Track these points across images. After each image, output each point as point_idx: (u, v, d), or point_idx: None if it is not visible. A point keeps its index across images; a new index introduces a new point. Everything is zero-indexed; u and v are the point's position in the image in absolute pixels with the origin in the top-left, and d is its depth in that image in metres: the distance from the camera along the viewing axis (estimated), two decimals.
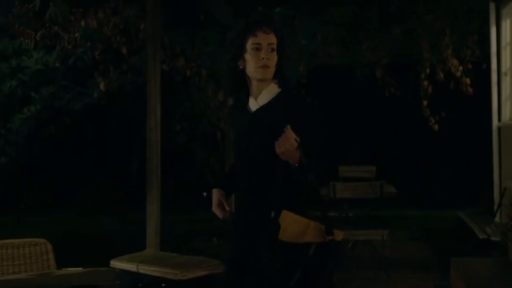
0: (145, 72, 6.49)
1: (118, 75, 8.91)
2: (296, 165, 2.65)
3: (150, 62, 6.36)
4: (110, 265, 4.00)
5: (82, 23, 7.47)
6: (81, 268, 3.71)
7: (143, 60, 7.80)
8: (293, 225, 2.68)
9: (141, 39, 8.18)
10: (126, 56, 8.44)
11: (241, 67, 2.92)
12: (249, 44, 2.88)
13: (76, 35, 7.82)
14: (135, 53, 8.46)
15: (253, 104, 2.93)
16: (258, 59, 2.86)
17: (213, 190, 3.06)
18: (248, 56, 2.89)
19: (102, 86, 8.54)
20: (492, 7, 8.14)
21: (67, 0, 5.21)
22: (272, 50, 2.89)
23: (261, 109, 2.90)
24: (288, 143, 2.61)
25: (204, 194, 11.97)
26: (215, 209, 3.01)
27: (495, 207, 7.88)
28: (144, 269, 3.82)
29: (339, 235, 2.75)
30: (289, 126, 2.62)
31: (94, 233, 9.70)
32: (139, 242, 6.32)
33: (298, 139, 2.62)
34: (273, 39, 2.89)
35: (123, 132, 12.56)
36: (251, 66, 2.89)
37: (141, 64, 8.47)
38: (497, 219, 7.52)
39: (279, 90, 2.92)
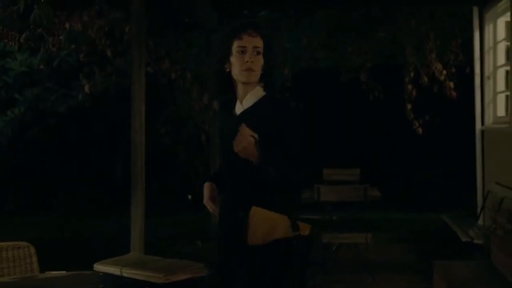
0: (130, 74, 6.46)
1: (103, 78, 8.88)
2: (257, 162, 2.66)
3: (135, 65, 6.34)
4: (94, 269, 4.00)
5: (67, 25, 7.44)
6: (64, 272, 3.70)
7: (128, 63, 7.78)
8: (263, 224, 2.71)
9: (126, 41, 8.16)
10: (111, 59, 8.41)
11: (227, 69, 2.93)
12: (235, 47, 2.88)
13: (61, 37, 7.79)
14: (120, 55, 8.43)
15: (238, 107, 2.93)
16: (243, 62, 2.86)
17: (205, 183, 3.02)
18: (233, 59, 2.89)
19: (86, 89, 8.51)
20: (475, 11, 8.21)
21: (52, 3, 5.19)
22: (258, 53, 2.88)
23: (246, 112, 2.89)
24: (245, 141, 2.62)
25: (189, 196, 11.97)
26: (207, 202, 2.98)
27: (478, 210, 7.93)
28: (128, 272, 3.81)
29: (305, 229, 2.77)
30: (244, 124, 2.64)
31: (78, 236, 9.65)
32: (123, 245, 6.28)
33: (256, 136, 2.64)
34: (258, 42, 2.88)
35: (107, 135, 12.50)
36: (236, 68, 2.88)
37: (126, 67, 8.45)
38: (480, 222, 7.57)
39: (264, 93, 2.92)
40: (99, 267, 3.98)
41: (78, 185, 12.18)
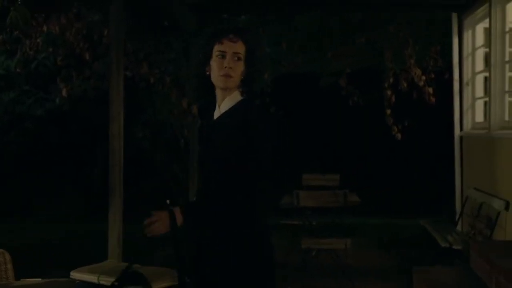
0: (108, 78, 6.38)
1: (81, 81, 8.78)
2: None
3: (113, 68, 6.25)
4: (70, 276, 3.93)
5: (44, 28, 7.34)
6: (40, 279, 3.64)
7: (106, 66, 7.70)
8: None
9: (104, 45, 8.08)
10: (89, 62, 8.33)
11: (207, 73, 2.89)
12: (215, 51, 2.84)
13: (38, 40, 7.69)
14: (98, 59, 8.35)
15: (216, 112, 2.90)
16: (221, 67, 2.82)
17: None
18: (213, 63, 2.85)
19: (64, 92, 8.41)
20: (454, 17, 8.23)
21: (29, 5, 5.11)
22: (238, 59, 2.83)
23: (222, 116, 2.87)
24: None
25: (168, 201, 11.89)
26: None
27: (457, 216, 7.96)
28: (105, 280, 3.75)
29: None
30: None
31: (55, 241, 9.52)
32: (101, 252, 6.21)
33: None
34: (239, 48, 2.83)
35: (86, 139, 12.38)
36: (214, 73, 2.85)
37: (104, 70, 8.36)
38: (458, 228, 7.59)
39: (241, 98, 2.88)
40: (75, 274, 3.91)
41: (56, 190, 12.03)
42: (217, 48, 2.83)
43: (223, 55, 2.82)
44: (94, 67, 8.53)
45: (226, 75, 2.82)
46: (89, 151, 12.33)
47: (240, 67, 2.84)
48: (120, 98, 6.18)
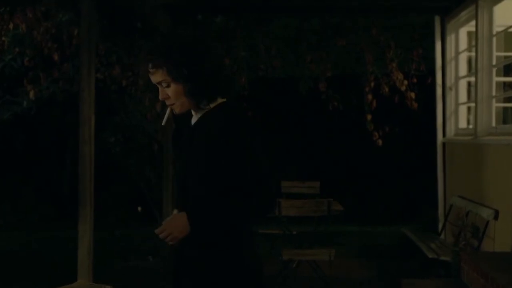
0: (79, 80, 6.08)
1: (49, 83, 8.42)
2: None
3: (84, 70, 5.98)
4: None
5: (11, 25, 6.97)
6: None
7: (76, 68, 7.37)
8: None
9: (74, 45, 7.74)
10: (57, 64, 7.97)
11: None
12: None
13: (3, 38, 7.32)
14: (68, 60, 8.00)
15: (194, 117, 2.70)
16: (160, 97, 2.65)
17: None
18: None
19: (31, 95, 8.05)
20: (437, 21, 8.07)
21: None
22: (168, 85, 2.60)
23: (198, 121, 2.67)
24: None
25: (139, 208, 11.56)
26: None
27: (440, 224, 7.76)
28: None
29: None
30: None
31: (20, 252, 9.14)
32: (70, 262, 5.89)
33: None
34: (160, 76, 2.59)
35: (54, 143, 12.05)
36: None
37: (73, 72, 8.03)
38: (442, 237, 7.38)
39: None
40: None
41: (22, 197, 11.66)
42: None
43: (158, 87, 2.65)
44: (63, 69, 8.18)
45: (168, 105, 2.66)
46: (58, 157, 11.99)
47: (174, 91, 2.61)
48: (91, 102, 5.92)
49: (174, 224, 2.53)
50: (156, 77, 2.60)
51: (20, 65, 9.80)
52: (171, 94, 2.61)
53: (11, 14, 6.71)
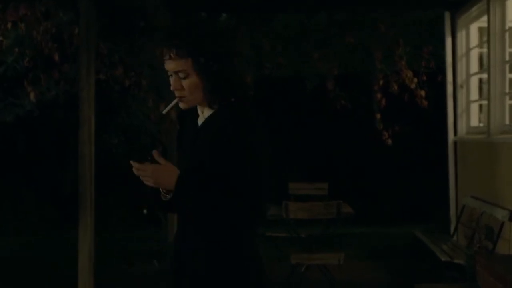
0: (78, 80, 5.96)
1: (51, 85, 8.28)
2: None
3: (84, 70, 5.87)
4: None
5: (9, 25, 6.83)
6: None
7: (76, 68, 7.23)
8: None
9: (75, 45, 7.59)
10: (58, 64, 7.83)
11: None
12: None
13: (1, 38, 7.18)
14: (68, 60, 7.86)
15: (200, 118, 2.52)
16: (172, 87, 2.42)
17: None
18: None
19: (32, 96, 7.90)
20: (447, 17, 7.88)
21: None
22: (185, 77, 2.37)
23: (205, 122, 2.49)
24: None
25: (144, 211, 11.41)
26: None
27: (452, 225, 7.56)
28: None
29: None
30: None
31: (21, 256, 8.99)
32: (71, 264, 5.76)
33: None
34: (181, 65, 2.36)
35: (57, 146, 11.94)
36: None
37: (75, 73, 7.87)
38: (454, 238, 7.18)
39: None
40: None
41: (23, 198, 11.56)
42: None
43: (170, 74, 2.41)
44: (63, 70, 8.03)
45: (178, 97, 2.41)
46: (59, 158, 11.88)
47: (190, 85, 2.39)
48: (91, 102, 5.80)
49: (161, 172, 2.40)
50: (175, 65, 2.37)
51: (22, 67, 9.69)
52: (187, 87, 2.39)
53: (3, 12, 6.57)
